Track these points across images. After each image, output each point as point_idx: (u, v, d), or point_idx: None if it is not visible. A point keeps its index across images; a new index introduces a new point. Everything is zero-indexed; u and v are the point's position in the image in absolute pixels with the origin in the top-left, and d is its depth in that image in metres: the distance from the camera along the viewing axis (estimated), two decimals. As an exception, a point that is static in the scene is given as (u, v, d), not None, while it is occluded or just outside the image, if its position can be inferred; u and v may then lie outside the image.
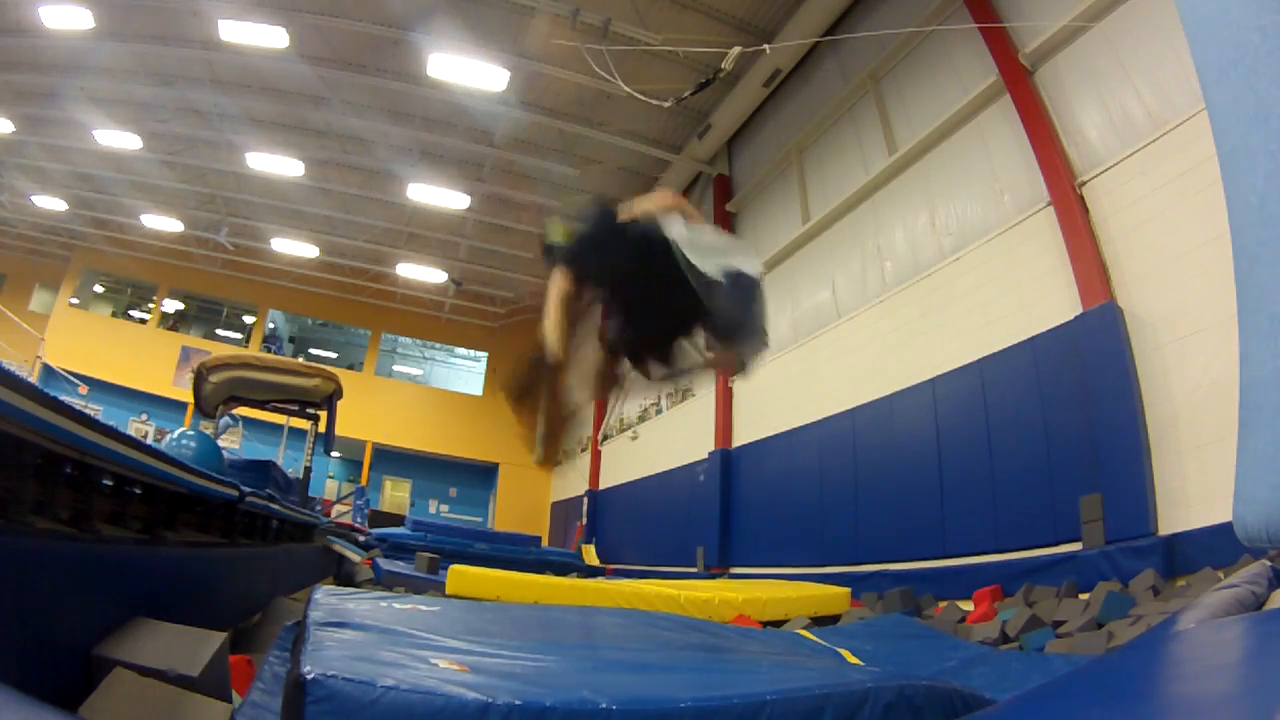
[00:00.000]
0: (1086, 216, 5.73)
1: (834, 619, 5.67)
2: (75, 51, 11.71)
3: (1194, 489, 4.61)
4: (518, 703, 1.49)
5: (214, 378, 7.00)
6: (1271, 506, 1.34)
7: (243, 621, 3.12)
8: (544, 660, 2.07)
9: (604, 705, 1.53)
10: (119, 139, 13.82)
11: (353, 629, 2.09)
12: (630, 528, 14.26)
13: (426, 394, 21.77)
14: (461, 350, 23.21)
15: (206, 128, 13.65)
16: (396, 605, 2.89)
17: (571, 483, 18.37)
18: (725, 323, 1.94)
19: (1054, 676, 1.98)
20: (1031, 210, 6.29)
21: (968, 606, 5.49)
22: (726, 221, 12.14)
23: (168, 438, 5.29)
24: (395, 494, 20.52)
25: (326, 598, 2.77)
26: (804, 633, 4.46)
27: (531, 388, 2.05)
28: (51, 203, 16.74)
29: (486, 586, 5.67)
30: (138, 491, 2.34)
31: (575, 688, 1.68)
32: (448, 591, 5.75)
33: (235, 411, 10.08)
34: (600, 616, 3.61)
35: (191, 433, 5.56)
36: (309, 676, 1.43)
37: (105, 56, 11.76)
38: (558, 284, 2.01)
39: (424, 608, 2.99)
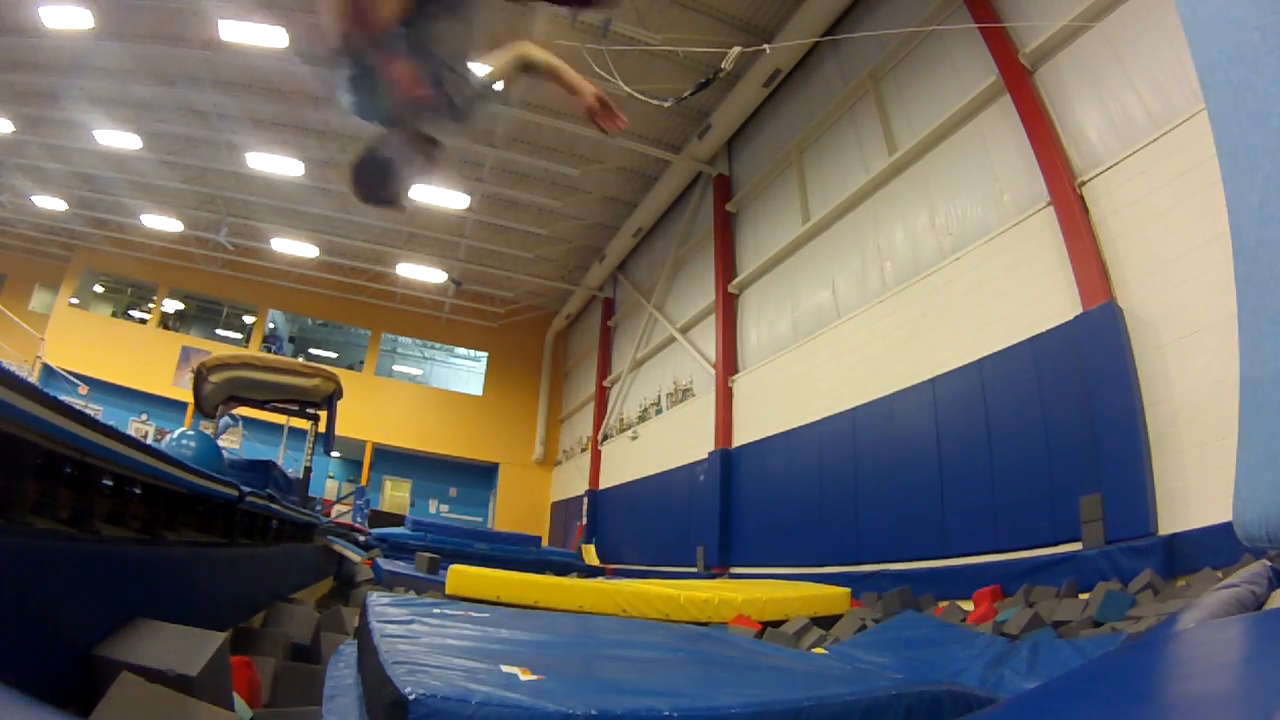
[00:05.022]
0: (1086, 216, 5.73)
1: (834, 619, 5.66)
2: (75, 51, 11.71)
3: (1194, 489, 4.60)
4: (594, 712, 1.64)
5: (214, 378, 6.99)
6: (1271, 506, 1.34)
7: (243, 622, 3.12)
8: (601, 667, 2.29)
9: (667, 713, 1.72)
10: (119, 139, 13.81)
11: (422, 641, 2.26)
12: (630, 528, 14.26)
13: (426, 394, 21.76)
14: (461, 350, 23.22)
15: (206, 128, 13.65)
16: (448, 611, 3.15)
17: (571, 483, 18.36)
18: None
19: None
20: (1031, 210, 6.29)
21: (968, 606, 5.50)
22: (726, 221, 12.14)
23: (168, 438, 5.29)
24: (395, 494, 20.52)
25: (384, 609, 2.96)
26: (820, 650, 4.44)
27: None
28: (51, 203, 16.73)
29: (486, 586, 5.66)
30: (138, 491, 2.34)
31: (639, 694, 1.87)
32: (448, 592, 5.75)
33: (235, 411, 10.08)
34: (633, 627, 3.80)
35: (191, 433, 5.56)
36: (411, 697, 1.55)
37: (105, 56, 11.76)
38: None
39: (475, 614, 3.25)
